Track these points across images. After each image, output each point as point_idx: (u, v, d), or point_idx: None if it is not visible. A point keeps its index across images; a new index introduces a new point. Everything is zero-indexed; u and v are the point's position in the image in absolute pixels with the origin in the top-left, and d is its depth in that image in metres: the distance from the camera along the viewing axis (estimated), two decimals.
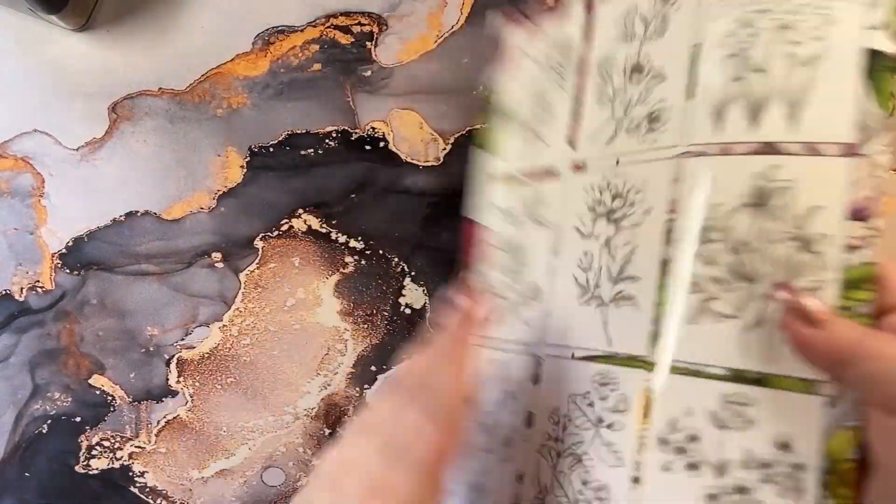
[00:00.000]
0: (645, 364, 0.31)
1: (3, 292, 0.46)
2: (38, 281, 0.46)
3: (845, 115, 0.28)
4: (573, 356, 0.33)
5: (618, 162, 0.34)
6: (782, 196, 0.29)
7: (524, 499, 0.34)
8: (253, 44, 0.44)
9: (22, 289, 0.46)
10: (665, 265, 0.31)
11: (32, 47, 0.44)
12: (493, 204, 0.40)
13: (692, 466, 0.29)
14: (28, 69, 0.44)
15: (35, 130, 0.45)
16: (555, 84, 0.37)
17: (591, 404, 0.32)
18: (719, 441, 0.29)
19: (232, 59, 0.44)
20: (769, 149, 0.29)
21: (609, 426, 0.31)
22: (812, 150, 0.29)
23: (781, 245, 0.29)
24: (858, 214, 0.28)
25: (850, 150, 0.28)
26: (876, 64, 0.28)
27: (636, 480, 0.30)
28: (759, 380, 0.28)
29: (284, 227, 0.45)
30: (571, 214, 0.35)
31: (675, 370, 0.30)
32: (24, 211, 0.45)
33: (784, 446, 0.28)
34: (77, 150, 0.45)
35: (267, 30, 0.44)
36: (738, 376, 0.29)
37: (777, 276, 0.28)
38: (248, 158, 0.45)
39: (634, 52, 0.34)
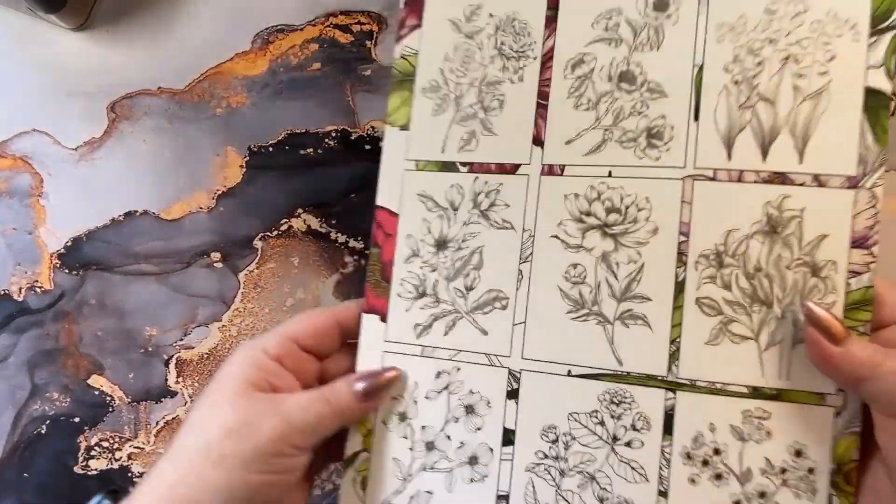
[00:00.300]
0: (665, 383, 0.32)
1: (2, 292, 0.46)
2: (37, 281, 0.46)
3: (848, 149, 0.31)
4: (570, 373, 0.33)
5: (610, 174, 0.33)
6: (793, 224, 0.31)
7: None
8: (252, 43, 0.44)
9: (21, 289, 0.46)
10: (680, 287, 0.32)
11: (31, 46, 0.44)
12: (421, 194, 0.36)
13: (717, 477, 0.32)
14: (27, 68, 0.44)
15: (34, 130, 0.45)
16: (503, 71, 0.35)
17: (601, 423, 0.33)
18: (741, 452, 0.31)
19: (231, 59, 0.44)
20: (779, 178, 0.31)
21: (628, 444, 0.32)
22: (819, 181, 0.31)
23: (793, 271, 0.31)
24: (860, 242, 0.31)
25: (853, 183, 0.31)
26: (873, 101, 0.30)
27: (663, 494, 0.32)
28: (776, 395, 0.31)
29: (284, 227, 0.45)
30: (546, 221, 0.34)
31: (698, 389, 0.32)
32: (22, 210, 0.45)
33: (798, 454, 0.31)
34: (76, 149, 0.45)
35: (266, 29, 0.44)
36: (756, 393, 0.31)
37: (789, 300, 0.31)
38: (248, 158, 0.44)
39: (622, 59, 0.33)
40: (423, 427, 0.35)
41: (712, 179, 0.32)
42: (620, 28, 0.33)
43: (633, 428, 0.32)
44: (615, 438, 0.33)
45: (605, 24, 0.34)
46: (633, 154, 0.33)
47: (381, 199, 0.36)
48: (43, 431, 0.47)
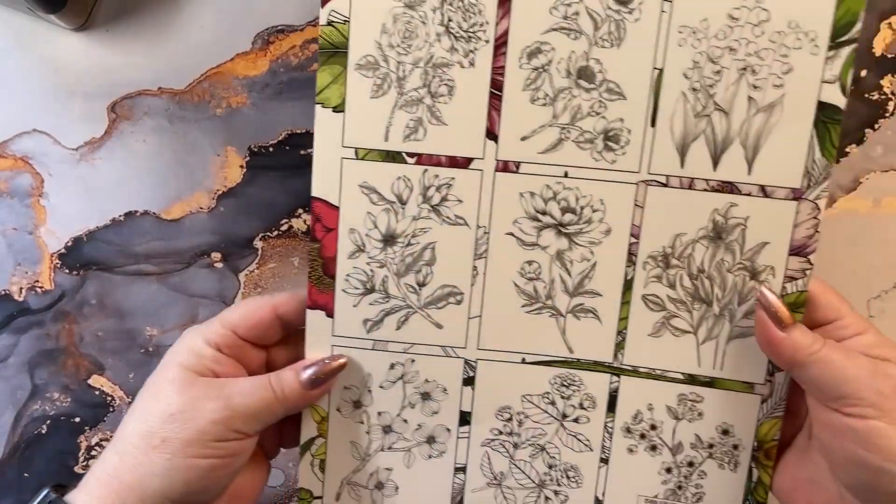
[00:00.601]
0: (610, 369, 0.36)
1: (2, 292, 0.46)
2: (38, 281, 0.46)
3: (795, 162, 0.33)
4: (524, 360, 0.36)
5: (566, 174, 0.34)
6: (737, 231, 0.34)
7: (470, 485, 0.37)
8: (252, 43, 0.44)
9: (21, 289, 0.46)
10: (628, 284, 0.35)
11: (31, 47, 0.45)
12: (364, 185, 0.35)
13: (652, 448, 0.37)
14: (27, 68, 0.45)
15: (34, 130, 0.45)
16: (451, 52, 0.33)
17: (552, 403, 0.37)
18: (675, 429, 0.36)
19: (231, 59, 0.44)
20: (728, 187, 0.34)
21: (575, 420, 0.37)
22: (765, 192, 0.33)
23: (733, 274, 0.34)
24: (799, 251, 0.33)
25: (797, 195, 0.33)
26: (825, 115, 0.32)
27: (604, 461, 0.37)
28: (709, 382, 0.36)
29: (284, 227, 0.47)
30: (501, 218, 0.35)
31: (639, 374, 0.36)
32: (23, 211, 0.46)
33: (725, 432, 0.36)
34: (76, 149, 0.45)
35: (266, 29, 0.44)
36: (692, 379, 0.36)
37: (728, 301, 0.35)
38: (248, 158, 0.45)
39: (581, 54, 0.33)
40: (380, 413, 0.37)
41: (664, 185, 0.34)
42: (580, 18, 0.33)
43: (581, 406, 0.37)
44: (564, 415, 0.37)
45: (564, 12, 0.33)
46: (590, 156, 0.34)
47: (317, 189, 0.35)
48: (43, 431, 0.48)
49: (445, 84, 0.34)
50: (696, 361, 0.35)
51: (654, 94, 0.33)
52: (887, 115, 0.43)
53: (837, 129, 0.32)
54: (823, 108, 0.32)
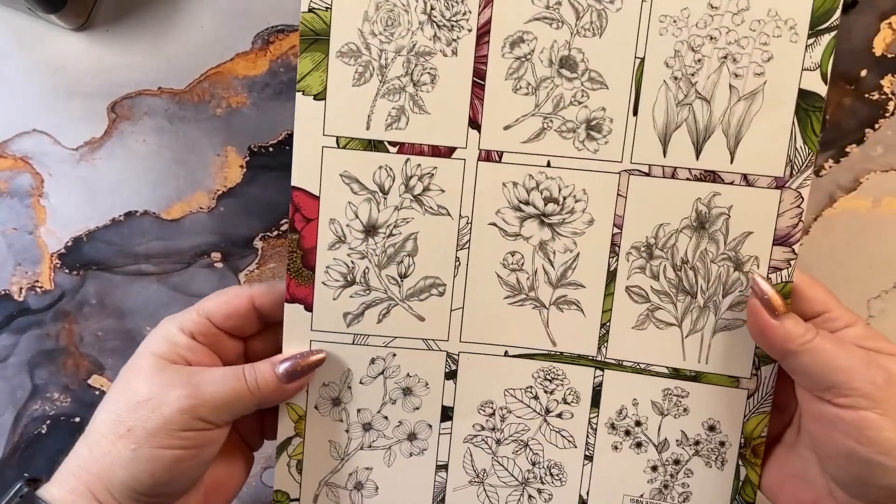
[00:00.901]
0: (594, 363, 0.36)
1: (2, 292, 0.46)
2: (38, 281, 0.46)
3: (777, 150, 0.33)
4: (506, 353, 0.36)
5: (549, 164, 0.34)
6: (720, 221, 0.34)
7: (451, 483, 0.37)
8: (252, 43, 0.44)
9: (21, 289, 0.46)
10: (611, 276, 0.35)
11: (31, 46, 0.45)
12: (345, 175, 0.34)
13: (638, 445, 0.36)
14: (27, 68, 0.45)
15: (34, 130, 0.45)
16: (434, 41, 0.33)
17: (535, 397, 0.36)
18: (660, 425, 0.36)
19: (231, 59, 0.44)
20: (710, 176, 0.34)
21: (559, 415, 0.36)
22: (747, 180, 0.33)
23: (717, 264, 0.34)
24: (783, 240, 0.33)
25: (780, 183, 0.33)
26: (806, 103, 0.32)
27: (589, 458, 0.37)
28: (695, 377, 0.35)
29: (284, 227, 0.47)
30: (484, 208, 0.35)
31: (624, 368, 0.36)
32: (23, 211, 0.46)
33: (712, 428, 0.35)
34: (76, 149, 0.45)
35: (266, 29, 0.44)
36: (677, 374, 0.35)
37: (713, 292, 0.34)
38: (248, 158, 0.45)
39: (564, 44, 0.33)
40: (359, 410, 0.36)
41: (647, 175, 0.34)
42: (562, 8, 0.33)
43: (564, 401, 0.36)
44: (548, 410, 0.36)
45: (546, 2, 0.33)
46: (573, 145, 0.34)
47: (297, 178, 0.34)
48: (43, 431, 0.48)
49: (428, 73, 0.33)
50: (681, 355, 0.35)
51: (636, 83, 0.33)
52: (887, 114, 0.43)
53: (819, 117, 0.32)
54: (804, 95, 0.32)
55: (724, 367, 0.35)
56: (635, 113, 0.33)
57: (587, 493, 0.37)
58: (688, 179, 0.33)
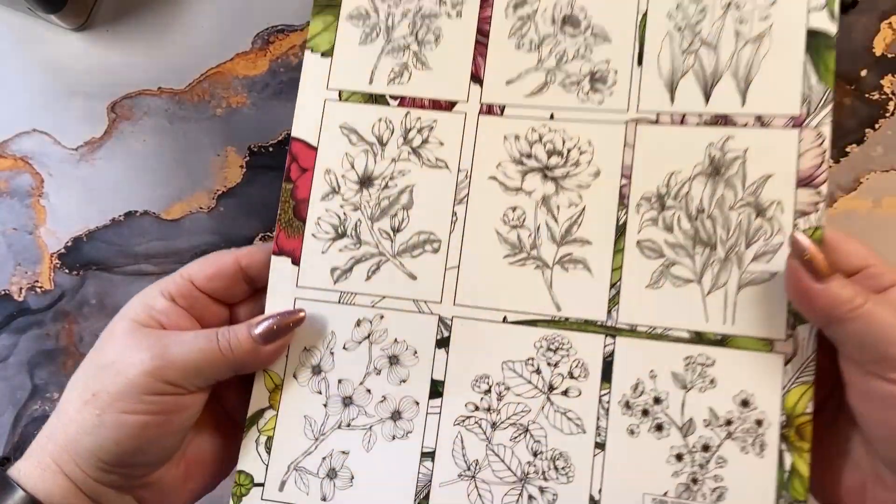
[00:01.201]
0: (604, 329, 0.31)
1: (2, 292, 0.46)
2: (37, 281, 0.46)
3: (791, 89, 0.30)
4: (505, 319, 0.32)
5: (552, 116, 0.32)
6: (735, 165, 0.31)
7: (438, 477, 0.31)
8: (252, 43, 0.44)
9: (21, 289, 0.46)
10: (621, 230, 0.31)
11: (31, 47, 0.44)
12: (344, 126, 0.33)
13: (658, 427, 0.30)
14: (27, 68, 0.45)
15: (34, 130, 0.45)
16: (440, 4, 0.33)
17: (537, 371, 0.31)
18: (683, 401, 0.30)
19: (231, 59, 0.44)
20: (722, 120, 0.31)
21: (564, 392, 0.31)
22: (762, 121, 0.31)
23: (736, 212, 0.31)
24: (807, 182, 0.30)
25: (797, 122, 0.30)
26: (817, 42, 0.30)
27: (600, 446, 0.30)
28: (720, 341, 0.30)
29: None
30: (484, 161, 0.33)
31: (638, 334, 0.31)
32: (23, 211, 0.45)
33: (745, 403, 0.30)
34: (76, 149, 0.45)
35: (266, 29, 0.44)
36: (699, 338, 0.30)
37: (734, 242, 0.31)
38: (248, 158, 0.44)
39: (566, 3, 0.33)
40: (340, 381, 0.32)
41: (655, 123, 0.32)
42: None
43: (571, 376, 0.31)
44: (551, 387, 0.31)
45: None
46: (576, 97, 0.32)
47: (298, 130, 0.33)
48: None
49: (432, 32, 0.33)
50: (703, 315, 0.30)
51: (640, 36, 0.32)
52: (887, 114, 0.40)
53: (832, 55, 0.30)
54: (813, 35, 0.30)
55: (753, 328, 0.30)
56: (640, 63, 0.32)
57: (599, 492, 0.30)
58: (698, 125, 0.31)
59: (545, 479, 0.31)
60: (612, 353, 0.31)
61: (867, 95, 0.41)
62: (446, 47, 0.33)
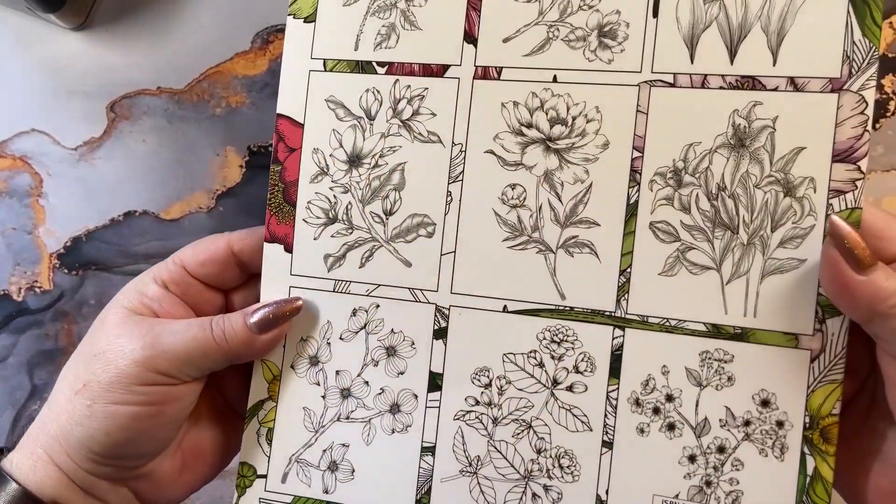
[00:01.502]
0: (612, 320, 0.28)
1: (1, 292, 0.45)
2: (37, 281, 0.45)
3: (831, 46, 0.26)
4: (505, 309, 0.29)
5: (555, 79, 0.28)
6: (763, 136, 0.27)
7: (439, 472, 0.29)
8: (252, 43, 0.44)
9: (20, 289, 0.45)
10: (632, 209, 0.28)
11: (31, 46, 0.44)
12: (330, 99, 0.30)
13: (670, 427, 0.28)
14: (26, 68, 0.44)
15: (33, 130, 0.44)
16: None
17: (540, 364, 0.29)
18: (698, 400, 0.27)
19: (231, 59, 0.43)
20: (749, 83, 0.27)
21: (569, 388, 0.28)
22: (795, 84, 0.26)
23: (762, 190, 0.27)
24: (845, 156, 0.26)
25: (836, 86, 0.26)
26: None
27: (608, 445, 0.28)
28: (740, 335, 0.27)
29: None
30: (480, 132, 0.29)
31: (649, 326, 0.28)
32: (22, 211, 0.45)
33: (765, 403, 0.27)
34: (75, 149, 0.44)
35: (266, 28, 0.43)
36: (717, 331, 0.27)
37: (759, 225, 0.27)
38: (247, 158, 0.44)
39: None
40: (338, 372, 0.30)
41: (672, 86, 0.28)
42: None
43: (576, 370, 0.29)
44: (555, 382, 0.29)
45: None
46: (582, 55, 0.28)
47: (283, 105, 0.30)
48: None
49: None
50: (722, 307, 0.27)
51: None
52: (888, 114, 0.38)
53: (878, 6, 0.25)
54: None
55: (777, 322, 0.26)
56: (655, 14, 0.28)
57: (606, 493, 0.28)
58: (721, 88, 0.27)
59: (549, 477, 0.28)
60: (621, 347, 0.28)
61: None
62: (436, 3, 0.29)
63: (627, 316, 0.28)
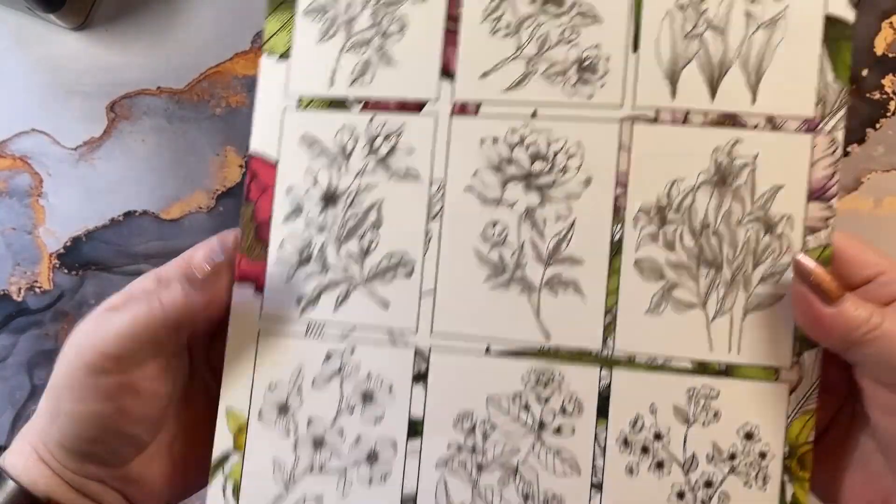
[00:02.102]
0: (599, 360, 0.28)
1: (1, 292, 0.45)
2: (37, 281, 0.45)
3: (806, 86, 0.26)
4: (489, 350, 0.28)
5: (535, 114, 0.28)
6: (744, 174, 0.27)
7: None
8: (252, 43, 0.44)
9: (20, 289, 0.45)
10: (616, 247, 0.28)
11: (31, 46, 0.44)
12: (305, 137, 0.29)
13: (659, 465, 0.28)
14: (26, 68, 0.44)
15: (33, 130, 0.44)
16: None
17: (526, 407, 0.28)
18: (685, 437, 0.27)
19: (230, 58, 0.43)
20: (730, 120, 0.27)
21: (557, 431, 0.28)
22: (773, 123, 0.27)
23: (744, 227, 0.27)
24: (818, 194, 0.27)
25: (811, 126, 0.27)
26: (834, 32, 0.26)
27: (597, 487, 0.27)
28: (725, 371, 0.27)
29: None
30: (459, 169, 0.28)
31: (636, 366, 0.27)
32: (22, 211, 0.45)
33: (749, 436, 0.27)
34: (75, 149, 0.44)
35: None
36: (703, 368, 0.27)
37: (741, 262, 0.27)
38: (247, 158, 0.45)
39: None
40: (310, 420, 0.29)
41: (654, 121, 0.27)
42: None
43: (563, 412, 0.28)
44: (542, 425, 0.28)
45: None
46: (562, 90, 0.28)
47: (256, 143, 0.29)
48: None
49: (397, 21, 0.28)
50: (708, 343, 0.27)
51: (635, 15, 0.27)
52: (888, 114, 0.38)
53: (849, 48, 0.26)
54: (831, 23, 0.26)
55: (760, 356, 0.27)
56: (636, 49, 0.27)
57: None
58: (703, 125, 0.27)
59: None
60: (608, 387, 0.28)
61: (868, 95, 0.41)
62: (413, 38, 0.28)
63: (614, 356, 0.28)
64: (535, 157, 0.29)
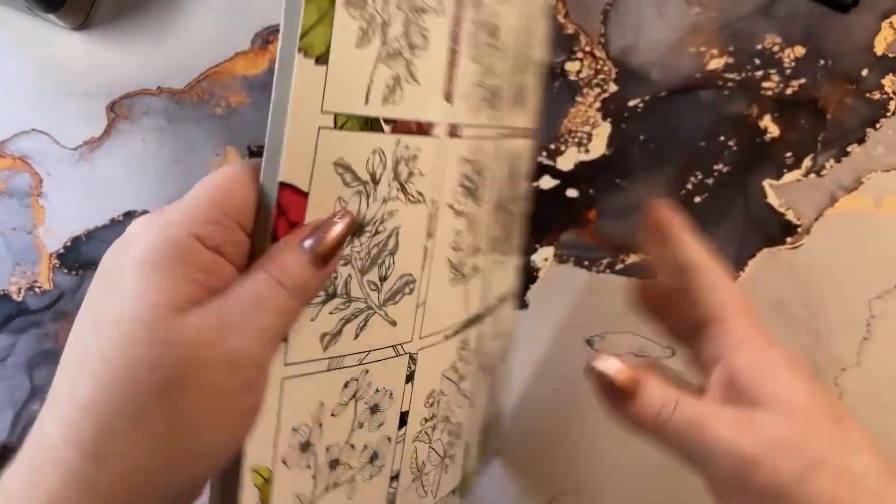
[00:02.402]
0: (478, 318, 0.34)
1: (1, 292, 0.44)
2: (36, 281, 0.44)
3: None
4: (446, 337, 0.31)
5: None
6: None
7: (400, 490, 0.31)
8: (252, 42, 0.44)
9: (20, 289, 0.45)
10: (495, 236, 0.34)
11: (30, 46, 0.44)
12: (339, 163, 0.24)
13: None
14: (26, 68, 0.44)
15: (33, 130, 0.44)
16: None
17: (455, 370, 0.33)
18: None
19: (231, 58, 0.43)
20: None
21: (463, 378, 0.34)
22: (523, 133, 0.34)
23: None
24: None
25: (532, 134, 0.36)
26: None
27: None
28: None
29: None
30: (446, 189, 0.28)
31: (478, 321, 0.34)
32: (21, 211, 0.44)
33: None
34: (75, 149, 0.44)
35: (266, 28, 0.43)
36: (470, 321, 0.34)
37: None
38: (248, 158, 0.44)
39: (490, 13, 0.29)
40: (328, 448, 0.28)
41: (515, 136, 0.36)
42: None
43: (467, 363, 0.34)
44: (462, 378, 0.34)
45: None
46: (489, 114, 0.32)
47: (288, 171, 0.23)
48: None
49: (422, 34, 0.25)
50: (469, 301, 0.33)
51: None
52: (888, 114, 0.39)
53: None
54: None
55: None
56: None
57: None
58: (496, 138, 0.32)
59: (453, 447, 0.34)
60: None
61: (868, 95, 0.41)
62: (430, 55, 0.26)
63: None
64: (478, 172, 0.31)
